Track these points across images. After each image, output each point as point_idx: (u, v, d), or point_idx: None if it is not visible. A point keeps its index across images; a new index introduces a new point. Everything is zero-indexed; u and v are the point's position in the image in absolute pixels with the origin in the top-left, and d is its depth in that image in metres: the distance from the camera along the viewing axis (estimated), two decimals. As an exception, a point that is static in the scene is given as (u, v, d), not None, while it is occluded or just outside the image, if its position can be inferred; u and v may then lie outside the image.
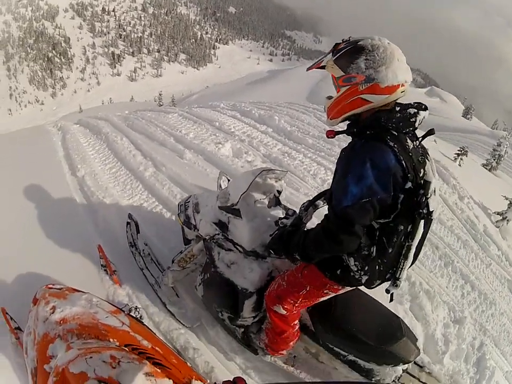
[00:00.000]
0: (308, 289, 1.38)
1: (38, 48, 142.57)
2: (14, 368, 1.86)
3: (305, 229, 1.43)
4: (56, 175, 3.64)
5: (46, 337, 1.20)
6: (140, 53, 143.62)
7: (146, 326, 1.50)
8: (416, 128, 1.16)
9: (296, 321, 1.57)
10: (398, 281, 1.22)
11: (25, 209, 3.07)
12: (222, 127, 4.63)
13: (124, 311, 1.42)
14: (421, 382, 1.68)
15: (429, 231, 1.23)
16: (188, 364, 1.29)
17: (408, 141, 1.13)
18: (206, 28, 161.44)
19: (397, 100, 1.14)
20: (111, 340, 1.13)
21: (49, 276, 2.26)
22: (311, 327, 1.65)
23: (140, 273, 2.31)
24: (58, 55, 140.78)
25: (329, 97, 1.24)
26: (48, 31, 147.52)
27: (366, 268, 1.21)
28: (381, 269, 1.21)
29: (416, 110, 1.13)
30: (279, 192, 1.74)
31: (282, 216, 1.64)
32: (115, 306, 1.45)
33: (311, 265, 1.35)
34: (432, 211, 1.12)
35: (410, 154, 1.10)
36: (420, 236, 1.15)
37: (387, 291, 1.29)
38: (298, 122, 4.77)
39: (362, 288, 1.43)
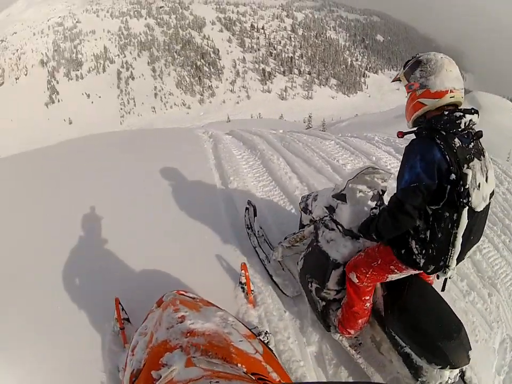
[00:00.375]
0: (379, 262, 1.57)
1: (186, 55, 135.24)
2: (104, 353, 1.92)
3: None
4: (207, 182, 3.60)
5: (165, 344, 1.11)
6: (291, 73, 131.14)
7: (275, 355, 1.41)
8: (466, 130, 1.32)
9: (368, 298, 1.71)
10: (447, 269, 1.38)
11: (172, 208, 3.12)
12: (378, 162, 4.23)
13: (258, 337, 1.34)
14: None
15: None
16: None
17: (456, 140, 1.27)
18: (355, 55, 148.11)
19: (449, 104, 1.32)
20: (238, 365, 1.03)
21: (180, 280, 2.25)
22: (382, 312, 1.77)
23: (276, 298, 2.24)
24: (207, 65, 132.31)
25: None
26: (196, 41, 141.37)
27: (424, 251, 1.39)
28: (434, 254, 1.37)
29: (462, 114, 1.29)
30: (383, 192, 1.94)
31: (374, 206, 1.86)
32: (250, 330, 1.34)
33: (386, 244, 1.56)
34: (470, 201, 1.27)
35: (455, 151, 1.25)
36: (464, 225, 1.28)
37: (437, 277, 1.49)
38: None
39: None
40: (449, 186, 1.27)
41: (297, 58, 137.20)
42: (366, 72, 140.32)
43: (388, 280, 1.65)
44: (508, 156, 17.74)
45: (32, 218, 3.26)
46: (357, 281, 1.66)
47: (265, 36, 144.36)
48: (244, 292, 2.21)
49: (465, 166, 1.26)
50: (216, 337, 1.13)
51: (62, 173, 4.25)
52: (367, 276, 1.62)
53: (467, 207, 1.26)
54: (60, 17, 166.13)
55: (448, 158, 1.25)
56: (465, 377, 1.73)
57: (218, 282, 2.31)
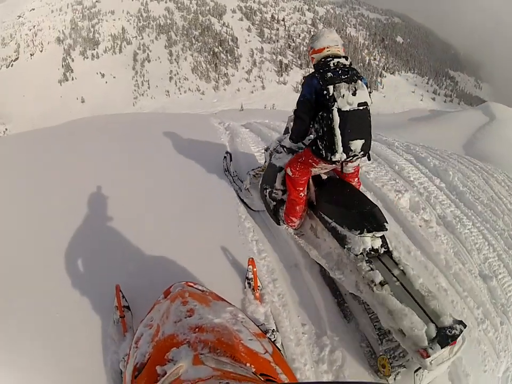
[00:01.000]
0: (303, 158, 2.27)
1: (204, 41, 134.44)
2: (103, 343, 1.89)
3: None
4: (222, 178, 3.58)
5: (171, 338, 1.07)
6: (308, 67, 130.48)
7: (283, 355, 1.39)
8: (337, 68, 2.06)
9: (301, 188, 2.35)
10: (337, 153, 2.04)
11: (183, 197, 3.15)
12: (402, 172, 4.07)
13: (266, 334, 1.33)
14: (392, 274, 1.86)
15: None
16: None
17: (328, 73, 2.02)
18: (374, 54, 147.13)
19: (328, 55, 2.13)
20: (247, 364, 1.00)
21: (186, 269, 2.25)
22: (314, 202, 2.41)
23: (294, 321, 2.20)
24: (224, 52, 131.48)
25: None
26: (215, 27, 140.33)
27: (322, 144, 2.09)
28: (327, 144, 2.06)
29: (331, 58, 2.10)
30: None
31: None
32: (260, 328, 1.32)
33: (307, 147, 2.30)
34: (337, 104, 1.98)
35: (326, 80, 2.00)
36: (337, 120, 1.98)
37: (341, 170, 2.30)
38: (469, 183, 4.10)
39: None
40: (324, 99, 2.00)
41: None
42: (383, 72, 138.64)
43: (312, 174, 2.33)
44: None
45: (32, 202, 3.14)
46: (291, 173, 2.32)
47: (285, 28, 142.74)
48: (250, 287, 2.20)
49: (331, 85, 1.99)
50: (226, 335, 1.09)
51: (66, 153, 4.18)
52: (297, 169, 2.29)
53: (336, 108, 1.97)
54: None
55: (321, 83, 2.01)
56: (393, 256, 1.96)
57: (225, 275, 2.31)
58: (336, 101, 1.96)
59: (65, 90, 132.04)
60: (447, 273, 2.50)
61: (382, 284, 1.77)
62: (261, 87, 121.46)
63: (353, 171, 2.34)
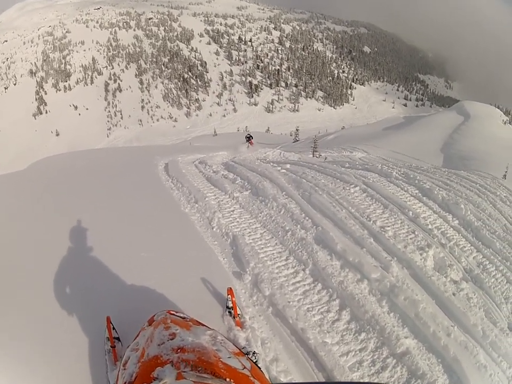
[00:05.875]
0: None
1: (173, 67, 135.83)
2: (93, 371, 2.05)
3: None
4: (198, 215, 4.18)
5: (156, 359, 1.16)
6: (278, 86, 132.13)
7: (263, 372, 1.45)
8: None
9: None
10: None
11: (164, 238, 3.54)
12: (417, 220, 3.68)
13: (246, 355, 1.37)
14: None
15: None
16: None
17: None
18: (342, 67, 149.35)
19: None
20: (227, 379, 1.06)
21: (170, 303, 2.45)
22: None
23: (263, 322, 2.43)
24: (194, 77, 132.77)
25: None
26: (184, 53, 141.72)
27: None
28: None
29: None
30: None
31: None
32: (238, 348, 1.39)
33: None
34: None
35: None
36: None
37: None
38: (482, 214, 3.76)
39: None
40: None
41: (284, 70, 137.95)
42: (353, 83, 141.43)
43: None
44: (505, 170, 15.18)
45: (25, 238, 3.76)
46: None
47: (253, 49, 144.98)
48: (231, 315, 2.36)
49: None
50: (206, 354, 1.17)
51: (51, 193, 5.39)
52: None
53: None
54: (50, 26, 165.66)
55: None
56: None
57: (206, 305, 2.51)
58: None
59: (40, 123, 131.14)
60: (483, 344, 2.27)
61: None
62: (232, 110, 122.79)
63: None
